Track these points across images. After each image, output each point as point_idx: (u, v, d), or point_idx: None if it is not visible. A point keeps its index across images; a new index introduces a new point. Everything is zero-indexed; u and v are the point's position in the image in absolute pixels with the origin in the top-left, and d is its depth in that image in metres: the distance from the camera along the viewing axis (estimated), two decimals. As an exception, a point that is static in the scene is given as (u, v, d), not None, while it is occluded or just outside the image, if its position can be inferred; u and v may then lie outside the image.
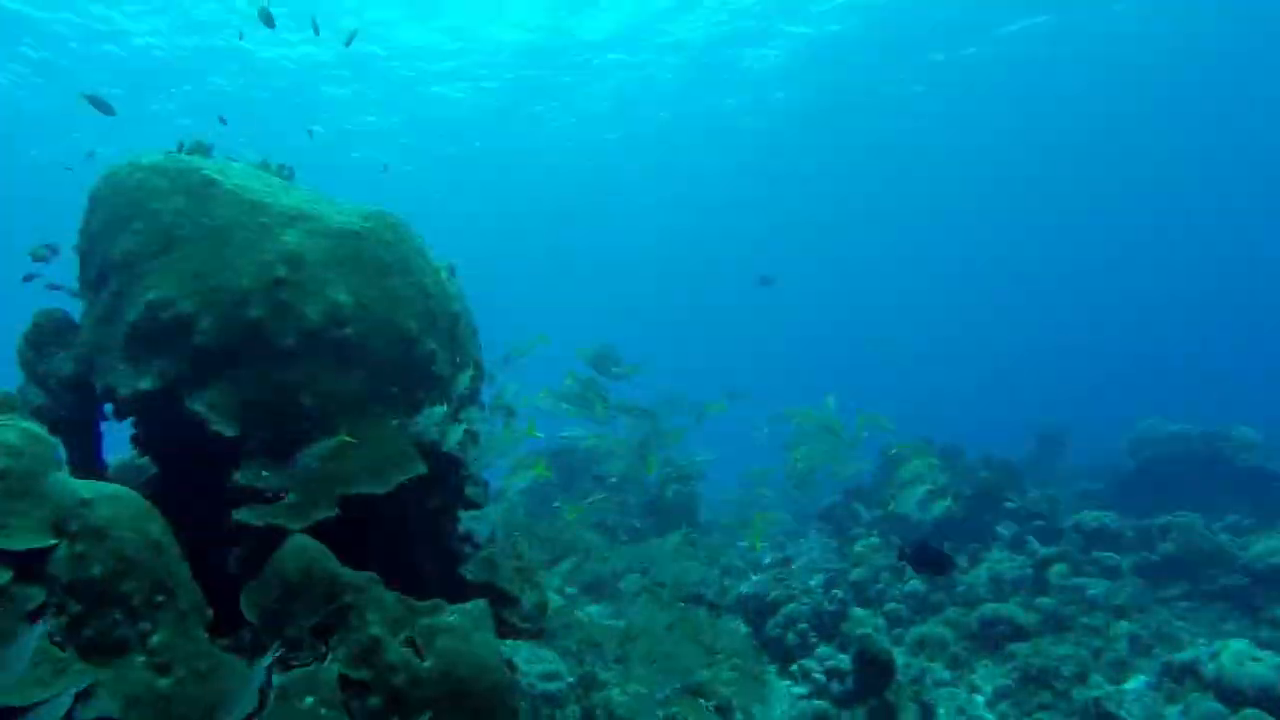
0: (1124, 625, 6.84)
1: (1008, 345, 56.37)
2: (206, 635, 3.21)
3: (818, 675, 5.27)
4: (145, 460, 4.79)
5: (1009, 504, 10.06)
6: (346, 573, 3.63)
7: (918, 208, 33.51)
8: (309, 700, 3.22)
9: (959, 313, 51.99)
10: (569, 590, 9.31)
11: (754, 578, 9.32)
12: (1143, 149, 27.84)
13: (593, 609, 8.87)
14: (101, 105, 5.43)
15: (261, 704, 3.20)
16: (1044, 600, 7.50)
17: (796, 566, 10.92)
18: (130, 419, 4.34)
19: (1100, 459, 16.50)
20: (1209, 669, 5.39)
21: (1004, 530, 9.75)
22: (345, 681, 3.38)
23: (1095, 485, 13.70)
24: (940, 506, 6.04)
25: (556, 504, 12.09)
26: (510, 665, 5.74)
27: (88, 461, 4.12)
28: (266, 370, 3.84)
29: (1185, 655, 5.76)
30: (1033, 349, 55.85)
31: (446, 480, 4.80)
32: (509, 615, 5.11)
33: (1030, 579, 8.22)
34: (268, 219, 4.09)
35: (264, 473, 3.82)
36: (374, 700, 3.34)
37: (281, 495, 3.87)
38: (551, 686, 6.02)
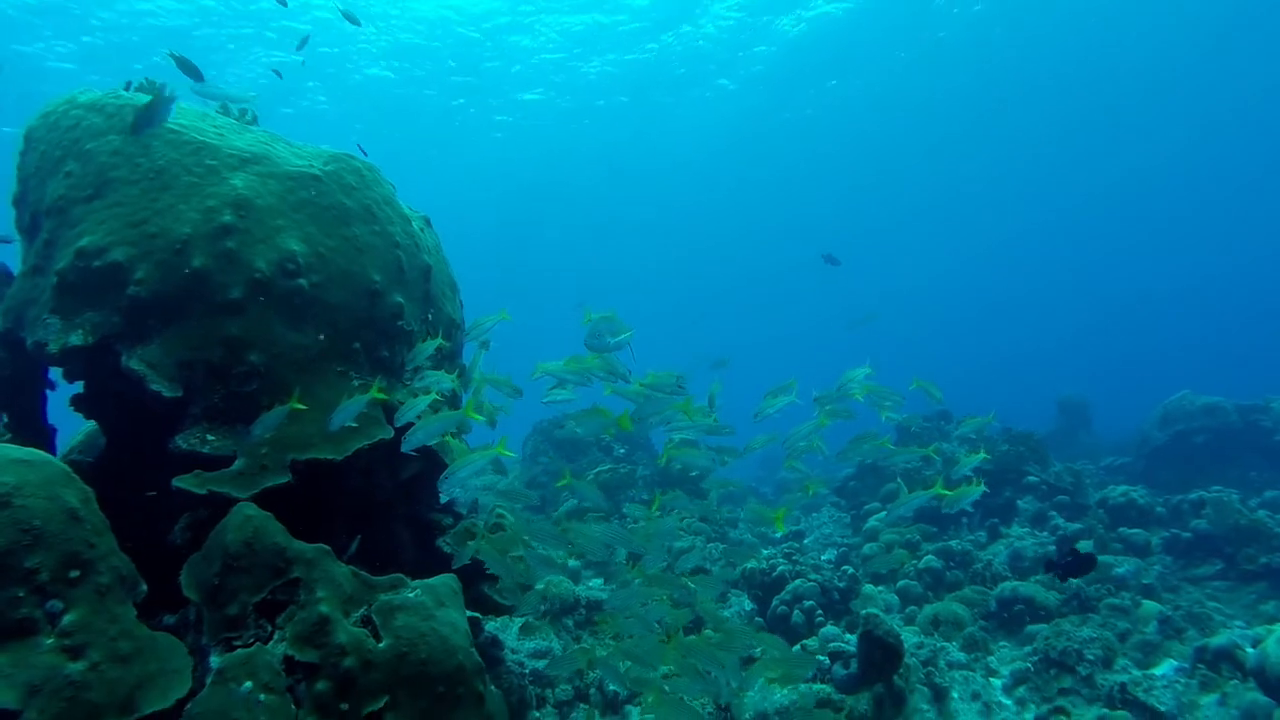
0: (1153, 606, 6.41)
1: (1030, 320, 55.20)
2: (134, 613, 2.91)
3: (821, 657, 4.94)
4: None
5: (1031, 478, 9.60)
6: (296, 545, 3.32)
7: (942, 178, 32.57)
8: (247, 685, 2.92)
9: (981, 288, 50.83)
10: (571, 563, 9.05)
11: (764, 552, 8.98)
12: (1181, 116, 26.75)
13: (595, 582, 8.60)
14: (189, 68, 4.97)
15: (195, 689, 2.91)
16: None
17: (808, 541, 10.59)
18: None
19: (1126, 434, 15.94)
20: (1250, 656, 4.97)
21: (1025, 505, 9.31)
22: (292, 664, 3.08)
23: (1122, 460, 13.16)
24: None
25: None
26: (495, 643, 5.47)
27: (27, 423, 3.83)
28: (210, 324, 3.51)
29: (1221, 640, 5.33)
30: (1055, 324, 54.67)
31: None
32: (489, 590, 4.81)
33: (1053, 556, 7.80)
34: (214, 161, 3.73)
35: (209, 436, 3.51)
36: (321, 685, 3.03)
37: (231, 460, 3.57)
38: (542, 664, 5.74)
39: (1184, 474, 11.49)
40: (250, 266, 3.58)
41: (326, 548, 3.39)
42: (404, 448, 3.42)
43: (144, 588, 3.07)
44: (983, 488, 4.46)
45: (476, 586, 4.83)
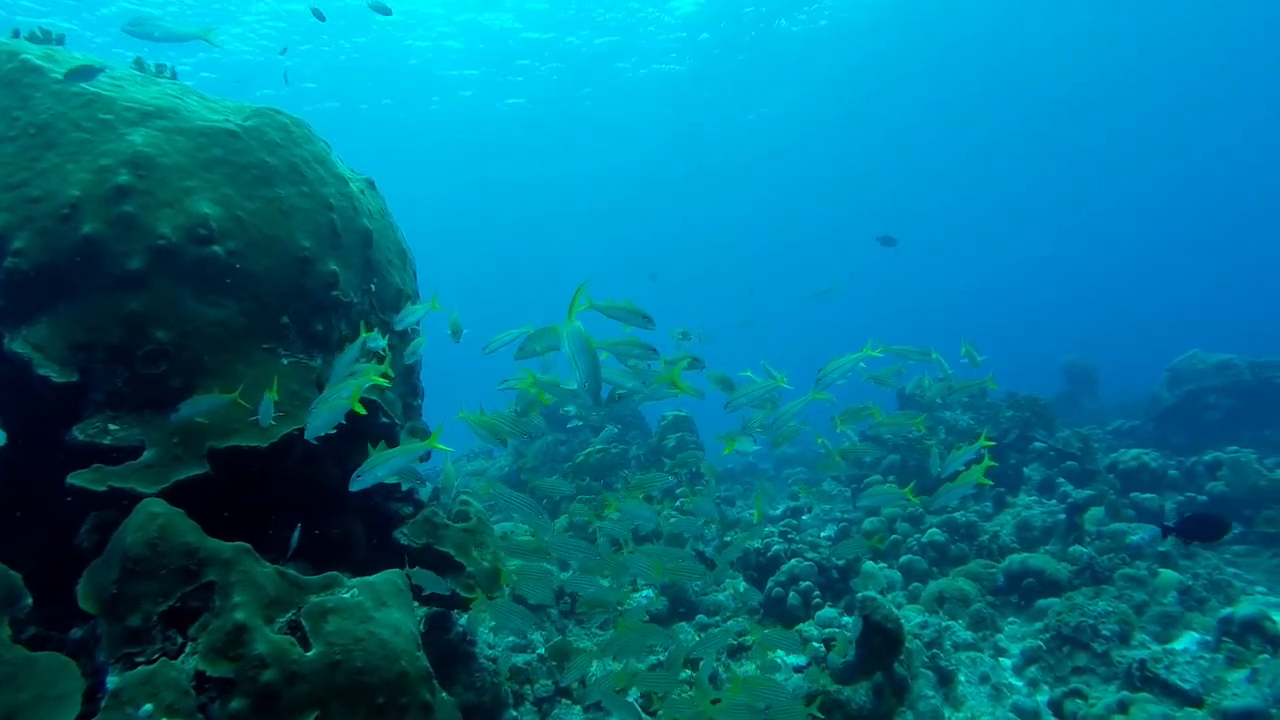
0: (1171, 575, 6.03)
1: (1033, 284, 54.63)
2: (8, 632, 2.53)
3: (816, 644, 4.56)
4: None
5: (1037, 444, 9.20)
6: (210, 544, 2.93)
7: (944, 143, 31.93)
8: (147, 708, 2.54)
9: (985, 252, 50.18)
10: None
11: (764, 529, 8.62)
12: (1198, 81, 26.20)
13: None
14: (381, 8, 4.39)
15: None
16: (1078, 549, 6.71)
17: (808, 518, 10.23)
18: None
19: (1132, 398, 15.56)
20: (1280, 627, 4.61)
21: (1032, 473, 8.92)
22: (205, 680, 2.71)
23: (1131, 423, 12.76)
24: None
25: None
26: (467, 638, 5.10)
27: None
28: (108, 300, 3.10)
29: (1248, 610, 4.96)
30: (1059, 288, 54.12)
31: (368, 431, 4.08)
32: (454, 583, 4.44)
33: (1062, 525, 7.42)
34: (109, 115, 3.30)
35: (111, 425, 3.11)
36: (237, 703, 2.66)
37: (140, 452, 3.17)
38: (520, 659, 5.38)
39: (1194, 435, 11.10)
40: (152, 233, 3.16)
41: (247, 546, 3.01)
42: (307, 435, 3.01)
43: (28, 601, 2.69)
44: (976, 479, 4.00)
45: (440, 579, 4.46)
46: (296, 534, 3.65)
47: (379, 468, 2.87)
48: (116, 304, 3.09)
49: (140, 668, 2.64)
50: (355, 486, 2.87)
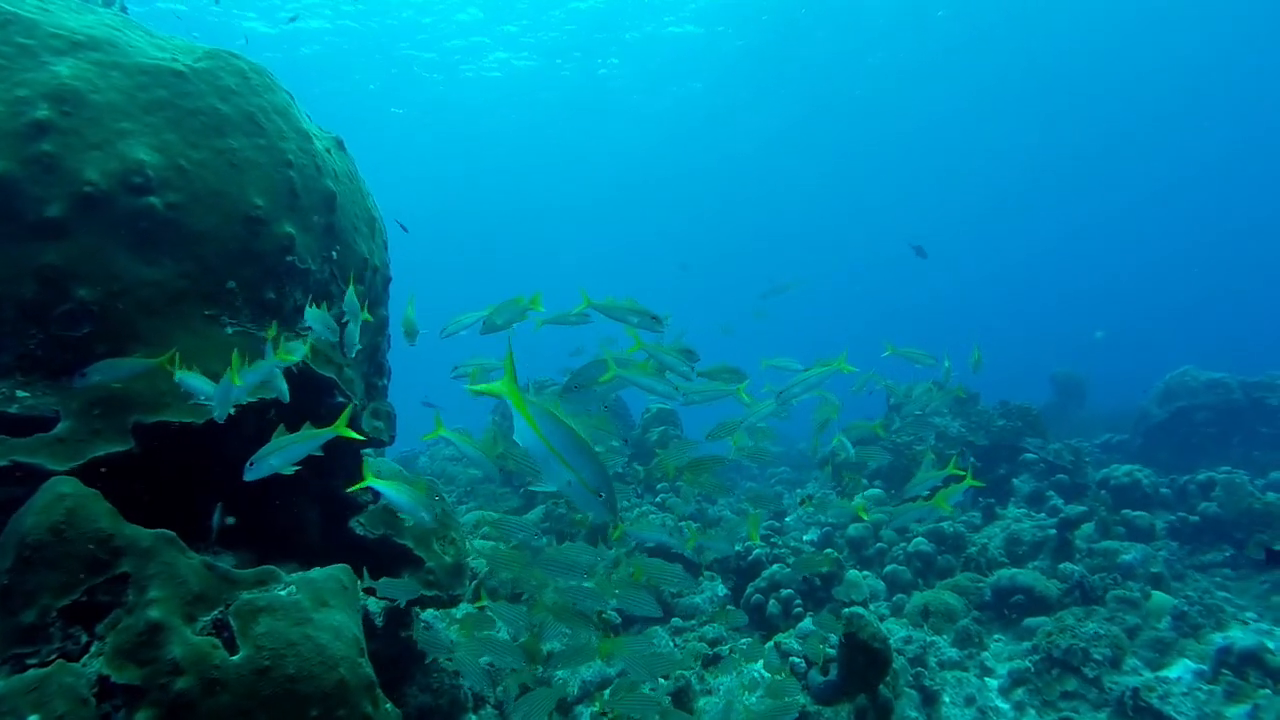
0: (1165, 599, 5.81)
1: (1024, 295, 54.79)
2: (-125, 623, 2.19)
3: (795, 659, 4.29)
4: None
5: (1028, 455, 8.99)
6: (128, 530, 2.59)
7: (931, 144, 31.73)
8: (33, 718, 2.21)
9: (976, 261, 50.20)
10: (538, 542, 8.41)
11: (742, 532, 8.32)
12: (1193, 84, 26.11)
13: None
14: None
15: (-42, 723, 2.21)
16: (1068, 566, 6.48)
17: (790, 520, 9.97)
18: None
19: (1119, 409, 15.45)
20: (1284, 661, 4.38)
21: (1021, 484, 8.71)
22: (110, 687, 2.38)
23: (1119, 437, 12.60)
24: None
25: None
26: (418, 641, 4.78)
27: None
28: (19, 249, 2.73)
29: (1248, 641, 4.73)
30: (1049, 297, 54.31)
31: (325, 412, 3.75)
32: (414, 578, 4.12)
33: (1052, 540, 7.19)
34: (30, 40, 2.93)
35: (20, 392, 2.75)
36: (143, 714, 2.33)
37: (54, 423, 2.83)
38: (483, 660, 5.07)
39: (1182, 454, 10.95)
40: (77, 177, 2.81)
41: (170, 534, 2.67)
42: (215, 416, 2.69)
43: (-94, 589, 2.34)
44: (941, 507, 3.74)
45: (398, 574, 4.14)
46: (218, 515, 3.31)
47: (274, 456, 2.55)
48: (30, 255, 2.73)
49: (30, 671, 2.31)
50: (249, 476, 2.56)
